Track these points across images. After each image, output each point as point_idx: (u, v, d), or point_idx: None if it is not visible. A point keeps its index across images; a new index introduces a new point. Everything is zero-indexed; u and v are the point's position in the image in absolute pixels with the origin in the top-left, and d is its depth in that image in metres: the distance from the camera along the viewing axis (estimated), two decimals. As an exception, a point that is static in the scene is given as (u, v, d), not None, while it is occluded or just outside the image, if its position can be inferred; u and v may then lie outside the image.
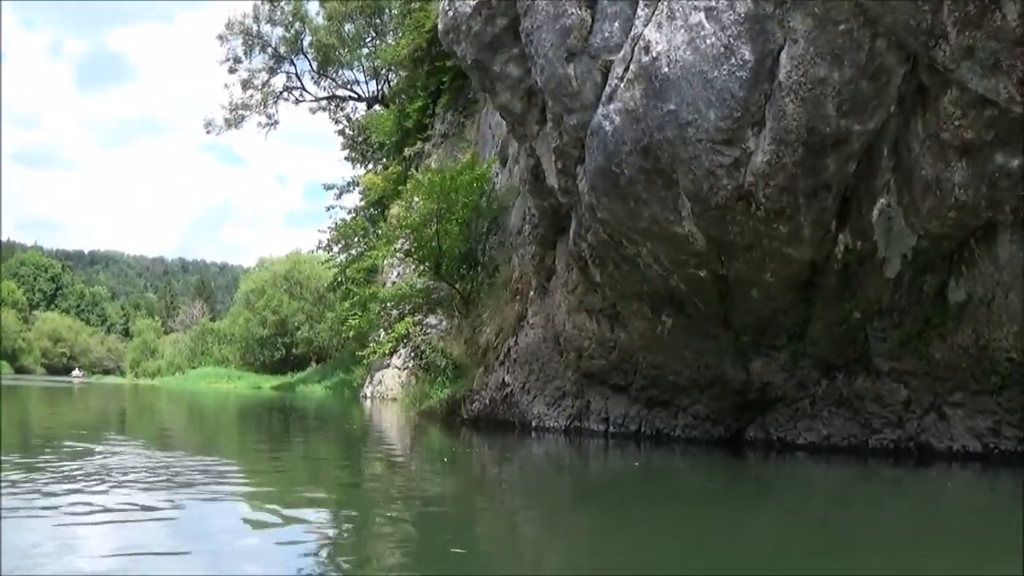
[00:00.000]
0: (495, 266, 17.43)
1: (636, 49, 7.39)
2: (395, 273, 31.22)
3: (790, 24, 6.55)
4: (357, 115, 45.68)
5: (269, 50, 42.47)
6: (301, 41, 42.73)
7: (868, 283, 7.84)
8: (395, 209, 30.38)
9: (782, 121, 6.83)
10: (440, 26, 9.50)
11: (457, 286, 18.08)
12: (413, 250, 17.61)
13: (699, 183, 7.27)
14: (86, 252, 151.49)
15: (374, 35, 44.04)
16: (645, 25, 7.33)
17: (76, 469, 5.99)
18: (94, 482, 5.36)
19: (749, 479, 8.09)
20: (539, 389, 11.62)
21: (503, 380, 12.45)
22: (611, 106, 7.63)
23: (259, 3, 42.08)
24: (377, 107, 44.55)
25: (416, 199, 17.05)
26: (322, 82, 44.79)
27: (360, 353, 22.64)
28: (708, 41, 6.86)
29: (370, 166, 41.44)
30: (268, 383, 42.82)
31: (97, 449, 7.56)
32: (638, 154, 7.47)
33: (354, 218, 23.07)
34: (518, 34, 8.74)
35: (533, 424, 11.63)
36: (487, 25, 8.86)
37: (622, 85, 7.55)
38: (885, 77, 6.59)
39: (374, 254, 18.00)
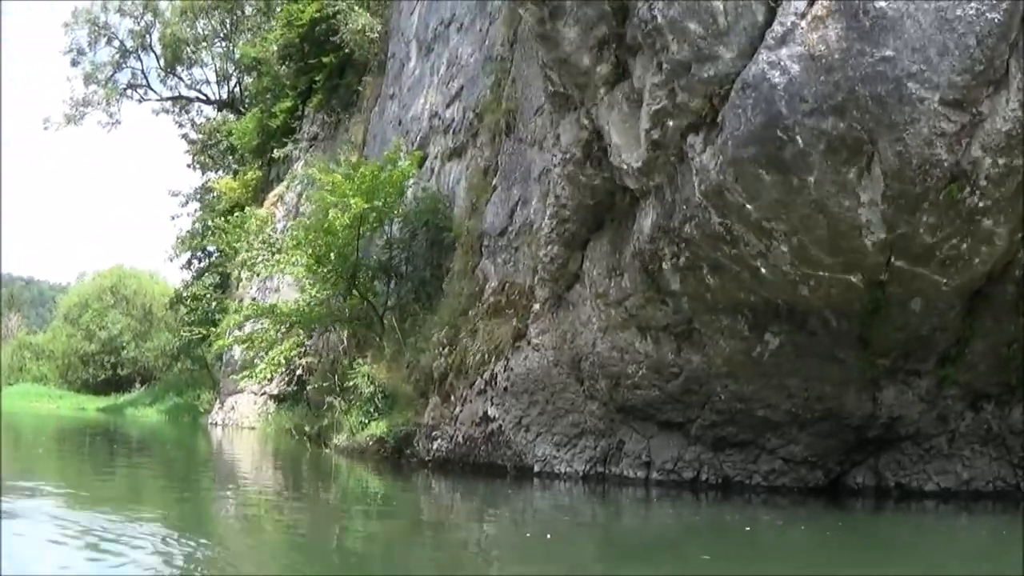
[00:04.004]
0: (421, 279, 15.15)
1: (833, -25, 5.59)
2: (253, 288, 27.96)
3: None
4: (203, 119, 42.12)
5: (116, 43, 38.68)
6: (150, 35, 39.09)
7: (1054, 296, 6.43)
8: (263, 213, 27.22)
9: (1037, 79, 5.25)
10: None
11: (373, 301, 15.60)
12: (323, 259, 14.91)
13: (907, 156, 5.54)
14: None
15: (223, 36, 40.66)
16: (850, -57, 5.55)
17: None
18: None
19: (876, 535, 6.39)
20: (545, 425, 9.43)
21: (484, 413, 10.14)
22: (783, 51, 5.76)
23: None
24: (225, 112, 41.07)
25: (332, 199, 14.36)
26: (169, 81, 41.04)
27: (236, 376, 19.53)
28: (956, -35, 5.18)
29: (219, 173, 37.97)
30: (93, 404, 38.80)
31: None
32: (824, 115, 5.63)
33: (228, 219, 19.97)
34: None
35: (535, 469, 9.40)
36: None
37: (803, 24, 5.71)
38: None
39: (281, 259, 15.12)
